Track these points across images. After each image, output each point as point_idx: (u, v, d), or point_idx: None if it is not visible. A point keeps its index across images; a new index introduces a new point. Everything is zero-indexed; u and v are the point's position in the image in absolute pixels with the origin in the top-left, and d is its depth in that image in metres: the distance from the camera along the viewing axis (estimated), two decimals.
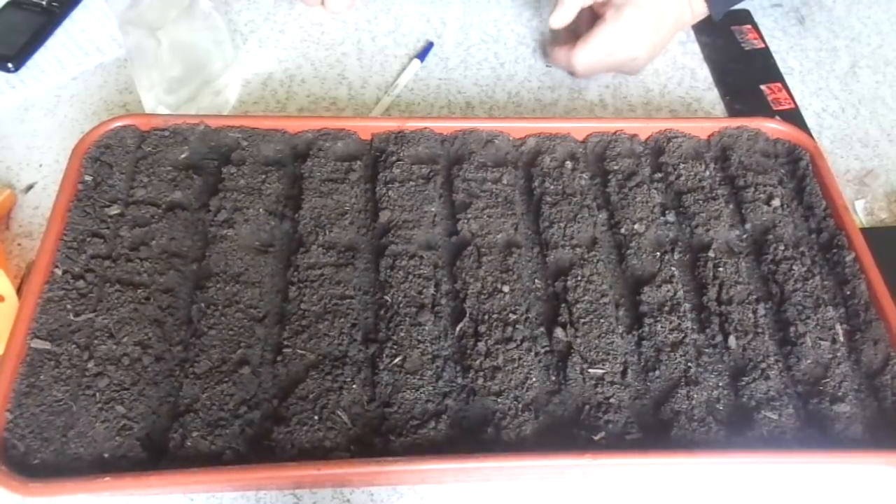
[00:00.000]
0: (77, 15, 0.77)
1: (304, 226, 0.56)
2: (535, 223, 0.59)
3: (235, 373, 0.48)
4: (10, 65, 0.71)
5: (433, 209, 0.58)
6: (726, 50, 0.81)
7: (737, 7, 0.78)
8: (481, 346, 0.50)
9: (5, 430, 0.45)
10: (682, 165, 0.62)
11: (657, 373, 0.51)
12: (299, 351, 0.49)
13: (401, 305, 0.52)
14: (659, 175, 0.62)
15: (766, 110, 0.75)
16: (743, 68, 0.79)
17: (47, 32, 0.74)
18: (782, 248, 0.57)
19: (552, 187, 0.59)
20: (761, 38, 0.82)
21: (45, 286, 0.50)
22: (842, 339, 0.53)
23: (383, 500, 0.50)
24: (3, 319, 0.52)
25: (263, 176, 0.58)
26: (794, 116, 0.75)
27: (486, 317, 0.52)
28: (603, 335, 0.51)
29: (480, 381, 0.49)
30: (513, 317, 0.52)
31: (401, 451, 0.46)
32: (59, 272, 0.51)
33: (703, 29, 0.82)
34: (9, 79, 0.71)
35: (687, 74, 0.78)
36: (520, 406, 0.48)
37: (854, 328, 0.54)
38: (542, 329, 0.53)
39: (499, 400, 0.48)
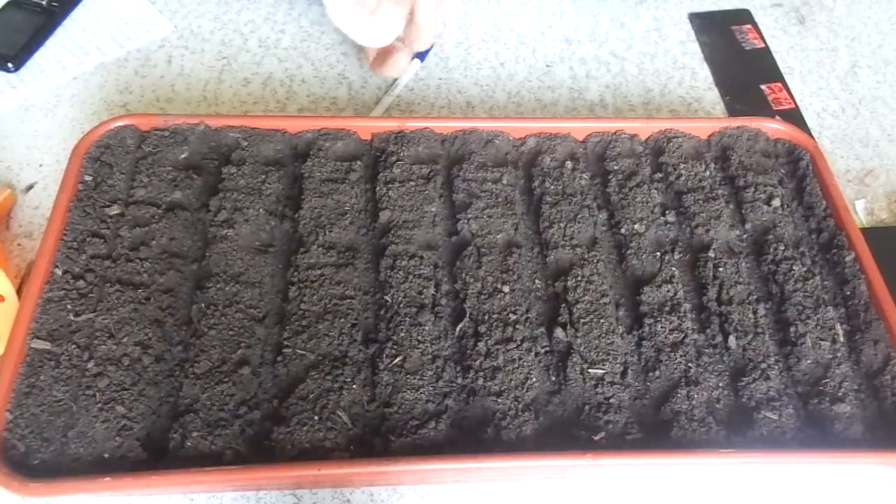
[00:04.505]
0: (77, 15, 0.76)
1: (304, 226, 0.56)
2: (535, 223, 0.59)
3: (235, 373, 0.48)
4: (10, 65, 0.71)
5: (433, 209, 0.57)
6: (726, 50, 0.81)
7: (737, 6, 0.77)
8: (481, 346, 0.50)
9: (5, 430, 0.45)
10: (682, 165, 0.62)
11: (657, 373, 0.51)
12: (299, 351, 0.49)
13: (401, 305, 0.52)
14: (659, 175, 0.62)
15: (766, 110, 0.75)
16: (743, 68, 0.79)
17: (47, 32, 0.74)
18: (782, 248, 0.57)
19: (552, 187, 0.59)
20: (761, 37, 0.82)
21: (45, 286, 0.50)
22: (842, 339, 0.53)
23: (383, 500, 0.50)
24: (3, 319, 0.52)
25: (263, 176, 0.58)
26: (794, 116, 0.75)
27: (486, 317, 0.52)
28: (603, 335, 0.51)
29: (480, 381, 0.49)
30: (513, 317, 0.52)
31: (401, 451, 0.46)
32: (59, 272, 0.51)
33: (703, 28, 0.82)
34: (9, 79, 0.71)
35: (687, 74, 0.78)
36: (520, 406, 0.48)
37: (854, 328, 0.54)
38: (542, 329, 0.53)
39: (499, 400, 0.48)
